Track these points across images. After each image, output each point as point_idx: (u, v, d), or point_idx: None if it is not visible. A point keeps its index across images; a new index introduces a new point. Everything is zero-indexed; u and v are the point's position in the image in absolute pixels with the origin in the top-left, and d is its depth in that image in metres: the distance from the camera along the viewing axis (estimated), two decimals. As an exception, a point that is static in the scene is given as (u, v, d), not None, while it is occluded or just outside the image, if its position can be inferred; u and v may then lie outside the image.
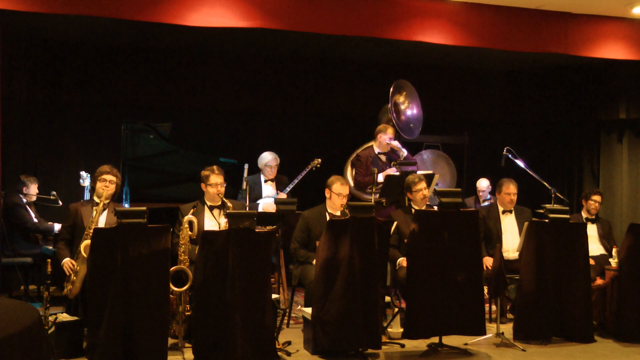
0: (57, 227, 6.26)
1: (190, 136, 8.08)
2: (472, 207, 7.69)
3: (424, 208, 5.68)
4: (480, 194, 7.90)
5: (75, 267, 4.85)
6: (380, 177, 6.53)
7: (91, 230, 4.78)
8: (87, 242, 4.75)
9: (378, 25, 6.27)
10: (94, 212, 4.98)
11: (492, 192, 7.45)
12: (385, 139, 6.78)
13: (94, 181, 5.19)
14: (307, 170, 6.75)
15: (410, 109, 7.38)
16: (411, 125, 7.36)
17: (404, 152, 6.78)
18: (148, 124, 6.88)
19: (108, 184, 5.12)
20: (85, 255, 4.73)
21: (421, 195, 5.65)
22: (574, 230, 5.38)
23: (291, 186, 6.77)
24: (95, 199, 5.14)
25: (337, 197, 5.45)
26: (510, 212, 6.12)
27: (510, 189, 6.09)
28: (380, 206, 6.40)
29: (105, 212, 5.10)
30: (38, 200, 6.67)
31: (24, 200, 6.44)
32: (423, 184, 5.69)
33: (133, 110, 7.90)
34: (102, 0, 5.53)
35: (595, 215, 6.45)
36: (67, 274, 4.89)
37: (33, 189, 6.53)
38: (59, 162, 7.81)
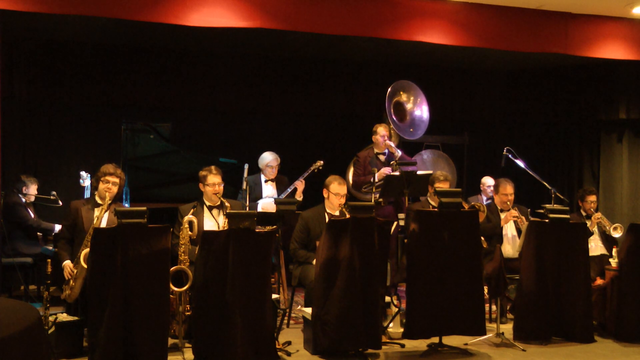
0: (58, 227, 6.25)
1: (190, 136, 8.07)
2: None
3: None
4: (487, 188, 7.72)
5: (75, 273, 4.80)
6: (376, 177, 6.52)
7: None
8: (88, 250, 4.66)
9: (378, 25, 6.27)
10: (96, 218, 4.90)
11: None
12: (380, 139, 6.77)
13: (96, 181, 5.05)
14: (310, 171, 6.73)
15: (418, 109, 7.35)
16: (411, 130, 7.34)
17: (398, 153, 6.76)
18: (148, 124, 6.87)
19: (111, 185, 5.00)
20: (84, 265, 4.66)
21: None
22: (574, 230, 5.38)
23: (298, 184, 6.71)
24: (98, 200, 5.04)
25: (334, 197, 5.45)
26: (509, 211, 6.12)
27: (507, 189, 6.10)
28: (379, 206, 6.40)
29: (107, 213, 5.01)
30: (37, 200, 6.67)
31: (23, 200, 6.45)
32: (447, 185, 5.84)
33: (133, 110, 7.88)
34: (102, 0, 5.53)
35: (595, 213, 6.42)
36: (66, 278, 4.85)
37: (32, 189, 6.53)
38: (59, 162, 7.79)
